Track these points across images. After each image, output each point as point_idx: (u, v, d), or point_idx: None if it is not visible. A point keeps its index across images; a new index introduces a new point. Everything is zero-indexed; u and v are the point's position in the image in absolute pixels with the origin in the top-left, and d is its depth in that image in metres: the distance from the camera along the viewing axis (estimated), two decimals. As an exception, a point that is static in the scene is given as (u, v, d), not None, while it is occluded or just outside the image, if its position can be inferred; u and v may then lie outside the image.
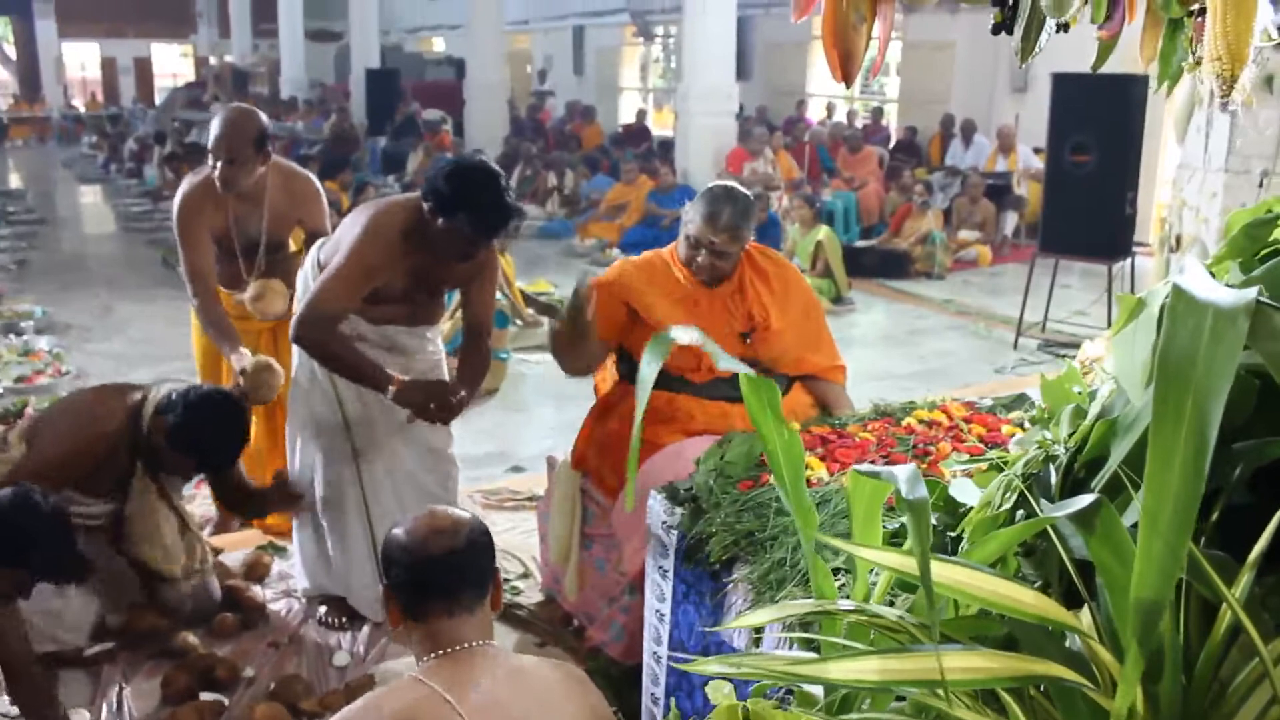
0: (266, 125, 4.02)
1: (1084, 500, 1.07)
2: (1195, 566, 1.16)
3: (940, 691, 1.01)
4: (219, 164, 3.87)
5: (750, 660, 1.23)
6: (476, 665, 1.92)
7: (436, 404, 3.38)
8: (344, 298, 3.32)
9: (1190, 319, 0.99)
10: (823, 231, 9.44)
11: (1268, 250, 1.30)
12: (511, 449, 5.82)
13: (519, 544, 4.39)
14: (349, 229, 3.39)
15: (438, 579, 1.96)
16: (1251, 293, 0.99)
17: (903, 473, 1.13)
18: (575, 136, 16.77)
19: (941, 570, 1.06)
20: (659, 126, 18.87)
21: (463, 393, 3.44)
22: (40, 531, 2.84)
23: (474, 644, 1.95)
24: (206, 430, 3.35)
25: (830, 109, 16.67)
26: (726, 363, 1.34)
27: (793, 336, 3.52)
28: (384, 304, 3.44)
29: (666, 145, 14.52)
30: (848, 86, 2.12)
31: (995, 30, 1.73)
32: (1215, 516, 1.27)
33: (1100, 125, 7.18)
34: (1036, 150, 10.76)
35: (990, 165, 12.00)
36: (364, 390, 3.51)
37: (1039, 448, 1.40)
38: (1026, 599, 1.09)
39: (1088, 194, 7.28)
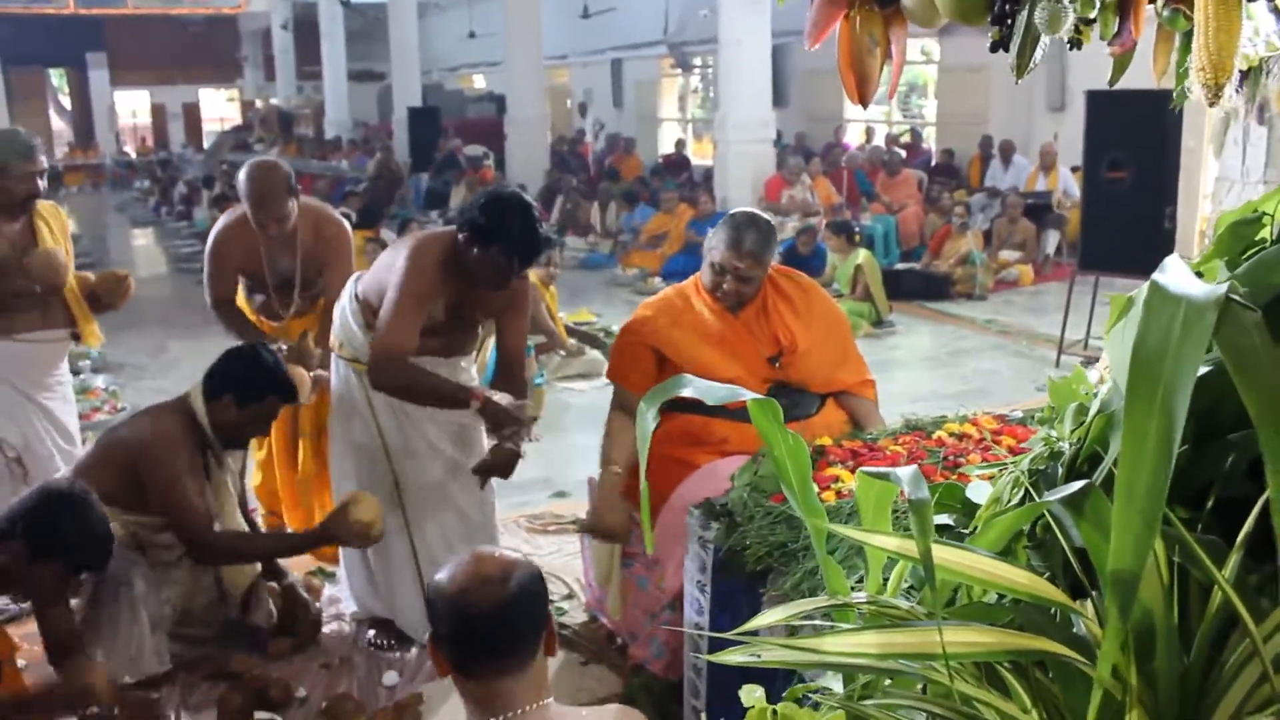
0: (288, 169, 4.20)
1: (1075, 486, 1.14)
2: (1188, 550, 1.22)
3: (938, 666, 1.08)
4: (269, 222, 4.06)
5: (768, 649, 1.29)
6: None
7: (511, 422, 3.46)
8: (408, 334, 3.43)
9: (1164, 312, 1.06)
10: (862, 255, 9.48)
11: (1253, 249, 1.36)
12: (556, 475, 5.90)
13: (563, 566, 4.47)
14: (389, 264, 3.52)
15: (485, 636, 1.79)
16: (1222, 288, 1.06)
17: (905, 473, 1.20)
18: (616, 169, 16.96)
19: (940, 553, 1.13)
20: (699, 156, 19.02)
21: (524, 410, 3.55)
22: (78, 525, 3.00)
23: (528, 708, 1.80)
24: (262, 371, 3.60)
25: (869, 133, 16.73)
26: (716, 397, 1.40)
27: (820, 355, 3.57)
28: (426, 335, 3.56)
29: (707, 174, 14.65)
30: (864, 108, 2.20)
31: (993, 48, 1.80)
32: (1211, 505, 1.33)
33: (1136, 141, 7.19)
34: (1074, 169, 10.73)
35: (1030, 184, 11.99)
36: (403, 419, 3.62)
37: (1045, 445, 1.46)
38: (1020, 579, 1.15)
39: (1125, 210, 7.27)
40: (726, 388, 1.42)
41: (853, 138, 17.09)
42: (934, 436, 3.02)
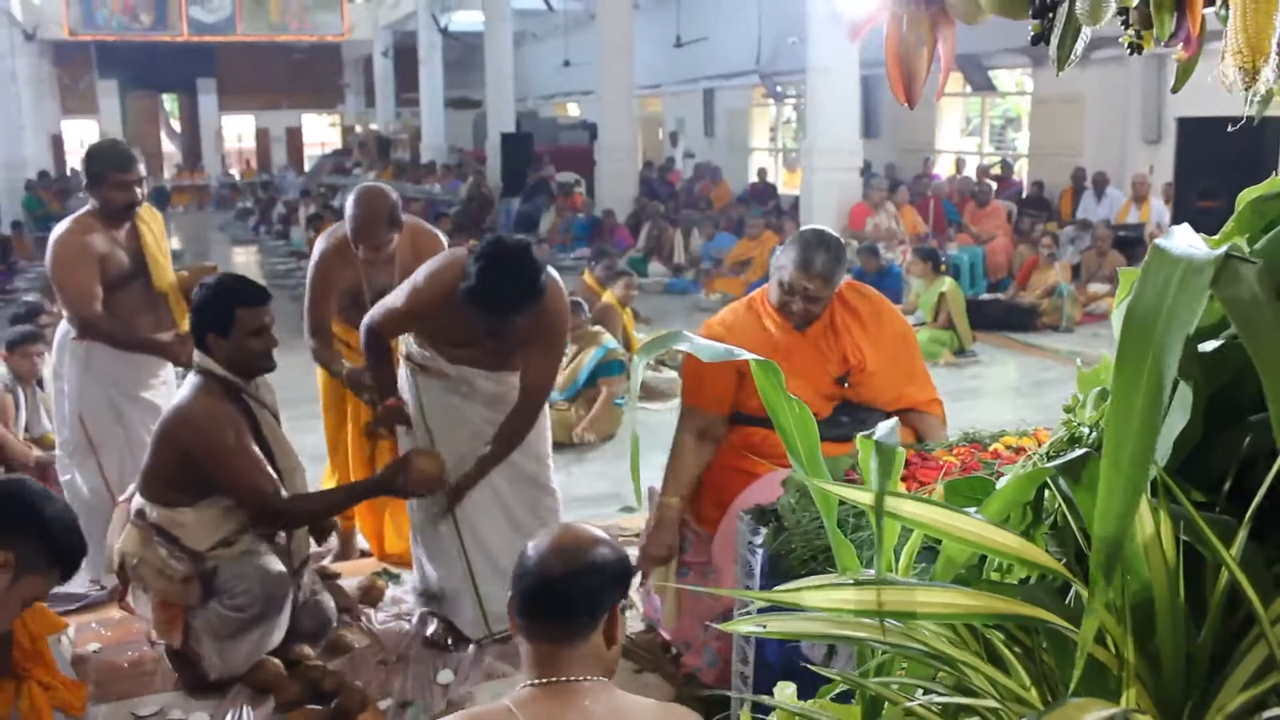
0: (396, 200, 4.23)
1: (1074, 454, 1.12)
2: (1194, 528, 1.20)
3: (927, 627, 1.07)
4: (365, 248, 4.13)
5: (774, 620, 1.30)
6: (572, 703, 1.82)
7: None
8: (388, 326, 3.74)
9: (1162, 272, 1.04)
10: (946, 283, 9.38)
11: (1276, 226, 1.33)
12: (624, 490, 5.92)
13: (623, 577, 4.47)
14: (420, 276, 3.67)
15: (542, 601, 1.86)
16: (1223, 248, 1.04)
17: (884, 426, 1.20)
18: (704, 197, 17.03)
19: (928, 513, 1.12)
20: (790, 187, 18.97)
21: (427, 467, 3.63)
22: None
23: (578, 679, 1.84)
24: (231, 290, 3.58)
25: (959, 165, 16.56)
26: (713, 354, 1.38)
27: (889, 374, 3.51)
28: (461, 346, 3.64)
29: (794, 203, 14.62)
30: (911, 107, 2.19)
31: (1034, 41, 1.79)
32: (1229, 488, 1.30)
33: (1229, 168, 7.02)
34: (1168, 202, 10.50)
35: (1122, 217, 11.76)
36: (453, 416, 3.73)
37: (1066, 429, 1.45)
38: (1010, 542, 1.14)
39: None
40: (723, 347, 1.43)
41: (943, 169, 16.93)
42: (990, 449, 2.98)
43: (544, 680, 1.84)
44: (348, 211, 4.16)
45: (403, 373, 3.88)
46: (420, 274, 3.65)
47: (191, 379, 3.56)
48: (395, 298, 3.70)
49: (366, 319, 3.73)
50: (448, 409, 3.72)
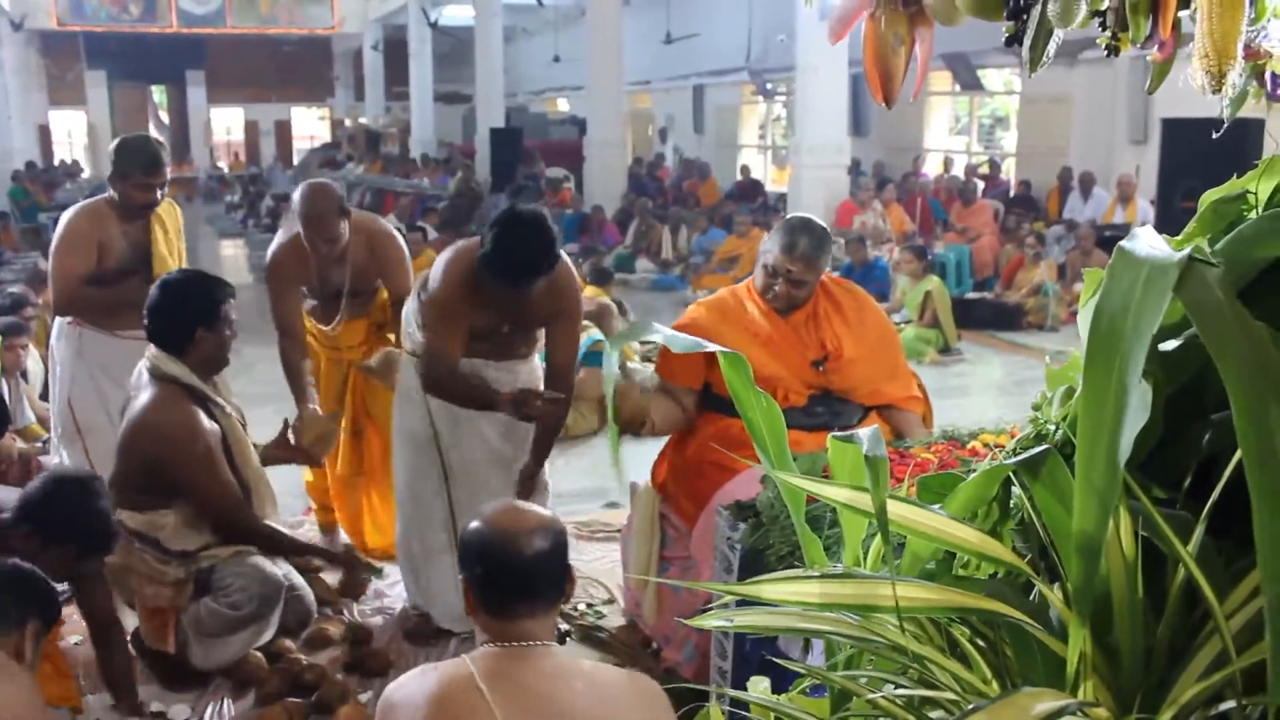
0: (340, 192, 4.25)
1: (1034, 450, 1.14)
2: (1152, 524, 1.22)
3: (889, 621, 1.09)
4: (320, 243, 4.12)
5: (741, 614, 1.31)
6: (527, 661, 1.90)
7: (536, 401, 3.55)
8: (446, 345, 3.58)
9: (1127, 275, 1.06)
10: (932, 282, 9.42)
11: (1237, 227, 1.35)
12: (608, 485, 5.93)
13: (606, 572, 4.50)
14: (434, 275, 3.65)
15: (522, 582, 1.93)
16: (1187, 250, 1.06)
17: (865, 433, 1.21)
18: (693, 194, 17.04)
19: (893, 508, 1.14)
20: (780, 184, 18.97)
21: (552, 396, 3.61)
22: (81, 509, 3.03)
23: (535, 643, 1.93)
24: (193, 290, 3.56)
25: (948, 164, 16.60)
26: (682, 346, 1.41)
27: (867, 366, 3.56)
28: (472, 340, 3.64)
29: (782, 199, 14.65)
30: (889, 107, 2.21)
31: (1008, 42, 1.81)
32: (1189, 485, 1.32)
33: (1213, 170, 7.03)
34: (1153, 202, 10.55)
35: (1109, 217, 11.81)
36: (456, 410, 3.70)
37: (1033, 426, 1.46)
38: (971, 537, 1.16)
39: (1200, 241, 7.14)
40: (693, 339, 1.45)
41: (932, 168, 16.96)
42: (968, 446, 3.00)
43: (508, 644, 1.92)
44: (296, 209, 4.15)
45: (405, 364, 3.87)
46: (435, 274, 3.63)
47: (149, 386, 3.46)
48: (425, 321, 3.66)
49: (425, 364, 3.64)
50: (453, 409, 3.73)
